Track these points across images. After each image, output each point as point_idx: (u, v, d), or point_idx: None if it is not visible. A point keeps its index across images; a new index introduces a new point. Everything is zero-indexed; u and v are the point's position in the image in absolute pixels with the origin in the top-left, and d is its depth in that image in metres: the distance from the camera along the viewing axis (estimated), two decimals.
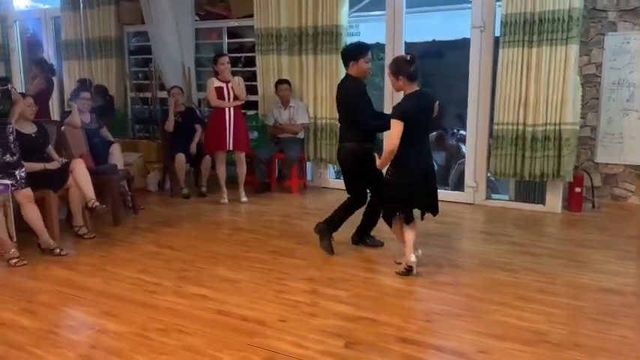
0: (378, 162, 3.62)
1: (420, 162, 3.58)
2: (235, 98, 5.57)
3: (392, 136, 3.45)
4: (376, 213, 3.99)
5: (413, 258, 3.54)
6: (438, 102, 3.68)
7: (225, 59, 5.57)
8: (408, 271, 3.57)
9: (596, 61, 5.16)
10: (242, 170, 5.76)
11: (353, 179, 4.01)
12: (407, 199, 3.59)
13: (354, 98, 3.89)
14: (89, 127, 5.38)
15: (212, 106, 5.79)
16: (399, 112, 3.46)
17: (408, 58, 3.50)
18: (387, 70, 3.74)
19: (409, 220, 3.61)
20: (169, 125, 6.02)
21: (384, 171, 3.68)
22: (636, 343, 2.70)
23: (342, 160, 4.06)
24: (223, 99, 5.56)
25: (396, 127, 3.42)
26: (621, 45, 5.06)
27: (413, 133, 3.45)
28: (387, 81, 5.84)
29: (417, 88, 3.54)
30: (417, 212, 3.70)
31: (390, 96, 5.83)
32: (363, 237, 4.19)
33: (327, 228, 4.02)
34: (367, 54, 3.90)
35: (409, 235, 3.58)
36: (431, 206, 3.68)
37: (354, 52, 3.93)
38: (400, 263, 3.66)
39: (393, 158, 3.50)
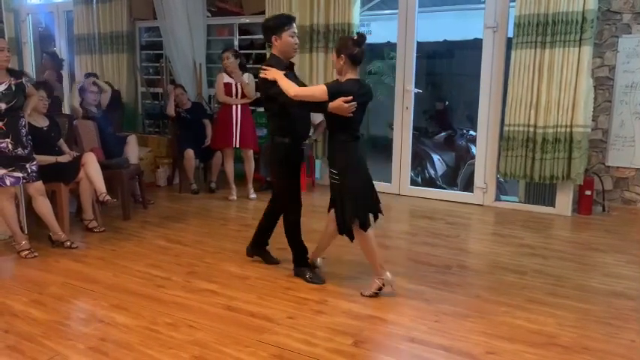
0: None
1: (360, 157, 3.25)
2: (243, 96, 5.58)
3: (307, 89, 3.20)
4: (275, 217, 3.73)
5: (389, 275, 3.22)
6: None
7: (226, 54, 5.55)
8: (381, 289, 3.22)
9: (609, 63, 5.13)
10: (250, 167, 5.77)
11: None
12: (358, 197, 3.19)
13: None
14: (96, 114, 5.43)
15: (219, 101, 5.81)
16: (339, 87, 3.11)
17: (356, 37, 3.16)
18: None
19: (367, 225, 3.21)
20: (170, 110, 6.08)
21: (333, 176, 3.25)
22: None
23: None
24: (231, 96, 5.57)
25: (319, 90, 3.11)
26: (635, 48, 5.02)
27: (352, 125, 3.16)
28: (398, 81, 5.88)
29: (358, 77, 3.21)
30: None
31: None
32: (262, 248, 3.87)
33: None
34: (292, 25, 3.40)
35: (374, 244, 3.24)
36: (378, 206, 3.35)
37: (275, 24, 3.40)
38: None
39: (342, 158, 3.20)
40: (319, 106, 3.18)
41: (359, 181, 3.21)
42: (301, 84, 3.42)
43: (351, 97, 3.06)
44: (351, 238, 3.26)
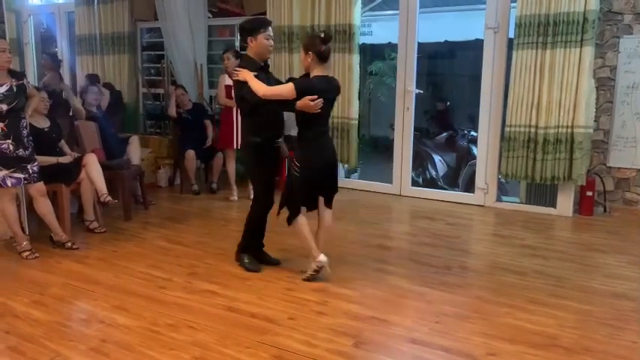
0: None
1: (324, 154, 3.43)
2: None
3: (275, 88, 3.28)
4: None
5: (323, 257, 3.35)
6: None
7: (227, 55, 5.58)
8: (318, 272, 3.39)
9: (610, 64, 5.12)
10: None
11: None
12: (309, 193, 3.42)
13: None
14: (97, 115, 5.43)
15: (220, 103, 5.83)
16: (306, 84, 3.26)
17: (322, 35, 3.30)
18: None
19: (312, 208, 3.47)
20: (171, 110, 6.11)
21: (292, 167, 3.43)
22: None
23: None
24: (231, 98, 5.58)
25: (287, 89, 3.24)
26: (636, 48, 5.01)
27: (318, 121, 3.33)
28: (399, 81, 5.88)
29: (326, 74, 3.36)
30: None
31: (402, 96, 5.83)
32: (259, 251, 3.85)
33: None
34: (268, 28, 3.49)
35: (307, 230, 3.42)
36: (330, 192, 3.54)
37: (251, 27, 3.51)
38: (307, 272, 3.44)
39: (299, 150, 3.40)
40: (287, 105, 3.30)
41: (317, 176, 3.39)
42: (276, 83, 3.50)
43: (317, 95, 3.20)
44: (289, 223, 3.45)
